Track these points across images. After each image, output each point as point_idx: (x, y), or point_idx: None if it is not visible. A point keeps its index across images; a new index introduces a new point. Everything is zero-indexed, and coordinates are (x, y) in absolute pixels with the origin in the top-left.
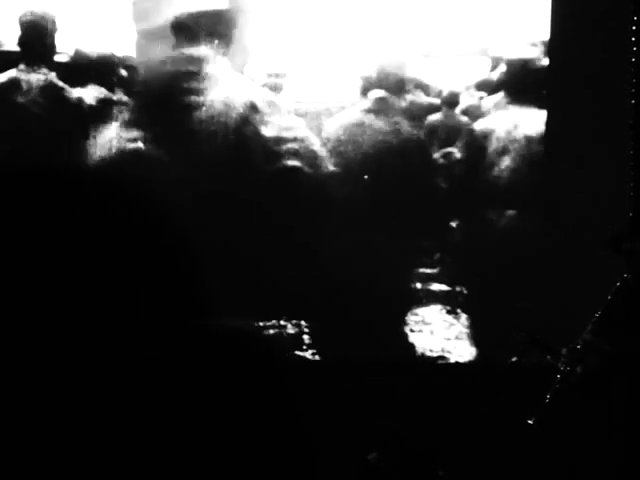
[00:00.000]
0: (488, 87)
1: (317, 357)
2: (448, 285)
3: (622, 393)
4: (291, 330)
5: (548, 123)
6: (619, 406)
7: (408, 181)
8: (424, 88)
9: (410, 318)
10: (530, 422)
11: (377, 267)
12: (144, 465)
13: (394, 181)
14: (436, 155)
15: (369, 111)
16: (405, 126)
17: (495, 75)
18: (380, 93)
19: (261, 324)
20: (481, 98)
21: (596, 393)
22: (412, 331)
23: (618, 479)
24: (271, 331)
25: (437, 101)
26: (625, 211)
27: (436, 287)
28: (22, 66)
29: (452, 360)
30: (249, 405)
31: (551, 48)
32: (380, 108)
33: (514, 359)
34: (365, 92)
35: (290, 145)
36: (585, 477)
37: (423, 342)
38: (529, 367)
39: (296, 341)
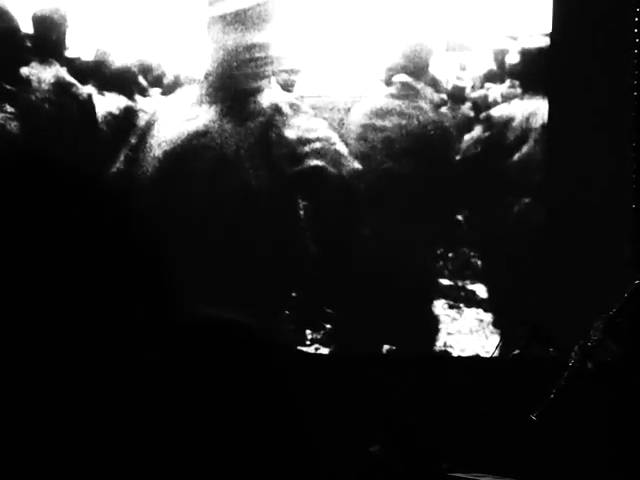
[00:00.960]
0: (498, 78)
1: (319, 351)
2: (451, 280)
3: (633, 391)
4: (294, 324)
5: (550, 122)
6: (631, 404)
7: (430, 168)
8: (436, 81)
9: (414, 312)
10: (533, 417)
11: (386, 261)
12: (144, 466)
13: (417, 167)
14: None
15: (393, 96)
16: (430, 112)
17: (505, 65)
18: (404, 77)
19: (264, 318)
20: (488, 89)
21: (607, 389)
22: (416, 325)
23: (621, 478)
24: (274, 324)
25: (451, 91)
26: (628, 206)
27: (440, 281)
28: (33, 63)
29: (454, 354)
30: (250, 399)
31: (553, 43)
32: (405, 93)
33: (516, 352)
34: (388, 82)
35: (313, 145)
36: (588, 475)
37: (425, 337)
38: (531, 360)
39: (298, 335)
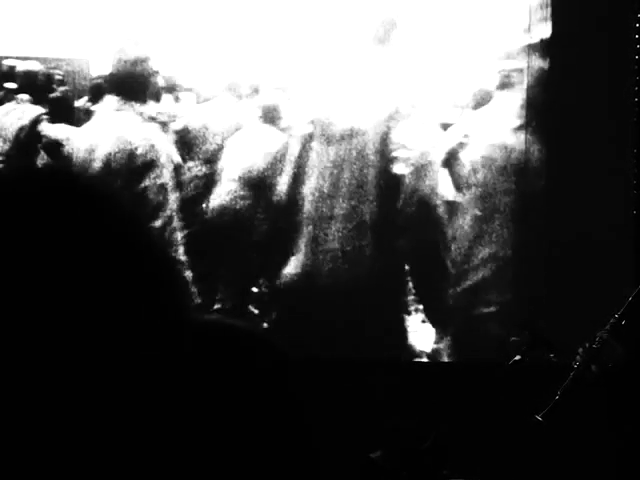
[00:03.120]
0: None
1: (320, 355)
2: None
3: (637, 393)
4: (297, 328)
5: (550, 131)
6: (634, 406)
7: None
8: None
9: (411, 316)
10: (539, 417)
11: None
12: (146, 467)
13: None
14: None
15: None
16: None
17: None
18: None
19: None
20: None
21: (612, 392)
22: (413, 329)
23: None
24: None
25: None
26: (629, 209)
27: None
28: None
29: (455, 359)
30: (255, 405)
31: (553, 46)
32: None
33: (517, 357)
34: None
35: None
36: (591, 476)
37: (425, 340)
38: (532, 366)
39: (300, 338)
